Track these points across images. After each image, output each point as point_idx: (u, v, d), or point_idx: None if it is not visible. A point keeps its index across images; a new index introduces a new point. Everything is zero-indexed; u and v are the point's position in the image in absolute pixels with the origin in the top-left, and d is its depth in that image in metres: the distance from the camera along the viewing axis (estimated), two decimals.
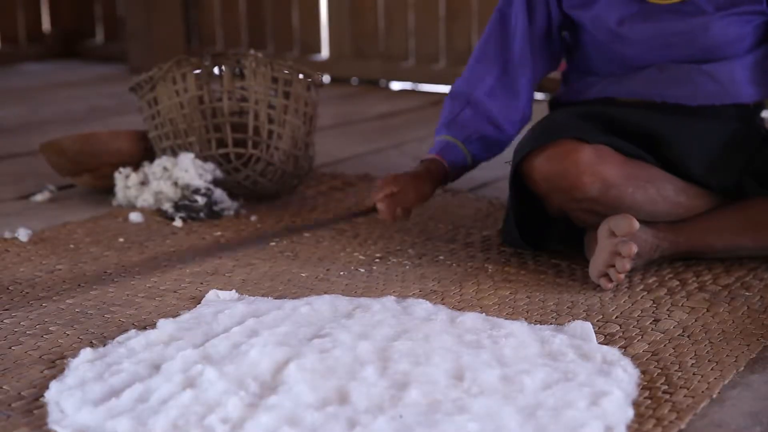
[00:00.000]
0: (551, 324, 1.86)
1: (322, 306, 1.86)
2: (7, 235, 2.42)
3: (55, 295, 2.05)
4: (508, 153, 2.26)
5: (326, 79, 4.83)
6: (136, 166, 2.72)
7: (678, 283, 2.08)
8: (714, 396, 1.59)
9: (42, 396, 1.58)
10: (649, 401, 1.56)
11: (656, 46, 2.21)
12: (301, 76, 2.71)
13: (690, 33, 2.18)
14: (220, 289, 2.02)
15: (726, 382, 1.64)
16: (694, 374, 1.65)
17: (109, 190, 2.73)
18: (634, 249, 1.97)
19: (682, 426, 1.49)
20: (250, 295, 2.00)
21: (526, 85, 2.34)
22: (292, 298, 1.96)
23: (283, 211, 2.66)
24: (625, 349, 1.74)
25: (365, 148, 3.47)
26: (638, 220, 1.99)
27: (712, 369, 1.68)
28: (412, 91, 4.73)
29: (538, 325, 1.84)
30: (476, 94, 2.33)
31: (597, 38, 2.25)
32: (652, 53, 2.22)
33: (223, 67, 2.69)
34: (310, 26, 5.00)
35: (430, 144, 3.49)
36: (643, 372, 1.65)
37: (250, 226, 2.52)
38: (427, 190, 2.29)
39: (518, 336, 1.73)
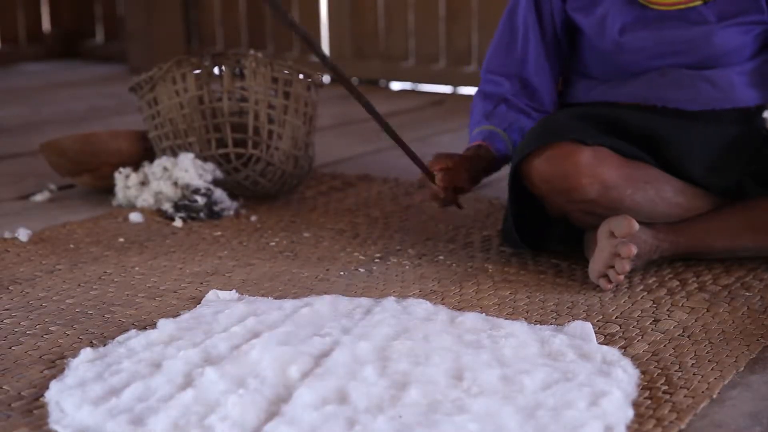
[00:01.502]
0: (551, 324, 1.86)
1: (322, 306, 1.86)
2: (7, 235, 2.42)
3: (55, 295, 2.05)
4: None
5: (326, 79, 4.83)
6: (136, 166, 2.72)
7: (678, 283, 2.08)
8: (714, 396, 1.59)
9: (42, 396, 1.58)
10: (649, 401, 1.56)
11: (656, 54, 2.20)
12: (301, 76, 2.71)
13: (691, 42, 2.18)
14: (220, 289, 2.02)
15: (726, 382, 1.64)
16: (694, 374, 1.65)
17: (109, 190, 2.73)
18: (634, 250, 1.97)
19: (682, 426, 1.49)
20: (250, 295, 2.00)
21: (547, 91, 2.32)
22: (292, 298, 1.96)
23: (283, 211, 2.66)
24: (625, 350, 1.74)
25: (365, 149, 3.47)
26: (638, 221, 1.99)
27: (712, 369, 1.68)
28: (412, 91, 4.73)
29: (538, 325, 1.84)
30: (507, 96, 2.32)
31: (596, 45, 2.24)
32: (652, 61, 2.21)
33: (223, 67, 2.69)
34: (310, 26, 5.00)
35: (431, 144, 3.51)
36: (643, 372, 1.65)
37: (250, 226, 2.52)
38: (478, 172, 2.26)
39: (518, 336, 1.73)
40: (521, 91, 2.32)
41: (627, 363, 1.66)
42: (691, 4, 2.16)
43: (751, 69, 2.23)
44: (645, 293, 2.03)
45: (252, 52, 2.71)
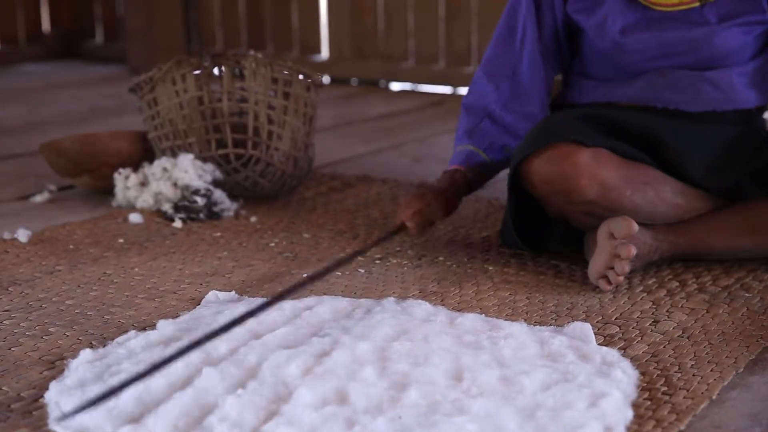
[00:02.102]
0: (551, 325, 1.86)
1: (321, 307, 1.86)
2: (7, 235, 2.42)
3: (55, 296, 2.05)
4: None
5: (326, 79, 4.83)
6: (135, 167, 2.72)
7: (677, 284, 2.08)
8: (713, 397, 1.59)
9: (42, 397, 1.58)
10: (649, 402, 1.56)
11: (657, 56, 2.20)
12: (300, 76, 2.71)
13: (693, 43, 2.18)
14: (220, 290, 2.02)
15: (725, 383, 1.64)
16: (693, 375, 1.65)
17: (108, 190, 2.73)
18: (633, 251, 1.97)
19: (682, 427, 1.49)
20: (249, 296, 2.00)
21: (539, 93, 2.30)
22: (292, 299, 1.96)
23: (282, 211, 2.66)
24: (624, 351, 1.75)
25: (365, 149, 3.48)
26: (637, 222, 1.99)
27: (711, 370, 1.68)
28: (412, 92, 4.73)
29: (538, 326, 1.84)
30: (492, 107, 2.30)
31: (597, 46, 2.24)
32: (653, 62, 2.21)
33: (223, 68, 2.69)
34: (310, 26, 5.00)
35: (430, 144, 3.52)
36: (642, 373, 1.65)
37: (250, 227, 2.52)
38: (453, 202, 2.27)
39: (517, 337, 1.73)
40: (510, 97, 2.30)
41: (626, 364, 1.66)
42: (692, 5, 2.16)
43: (752, 70, 2.22)
44: (644, 294, 2.03)
45: (252, 52, 2.71)
